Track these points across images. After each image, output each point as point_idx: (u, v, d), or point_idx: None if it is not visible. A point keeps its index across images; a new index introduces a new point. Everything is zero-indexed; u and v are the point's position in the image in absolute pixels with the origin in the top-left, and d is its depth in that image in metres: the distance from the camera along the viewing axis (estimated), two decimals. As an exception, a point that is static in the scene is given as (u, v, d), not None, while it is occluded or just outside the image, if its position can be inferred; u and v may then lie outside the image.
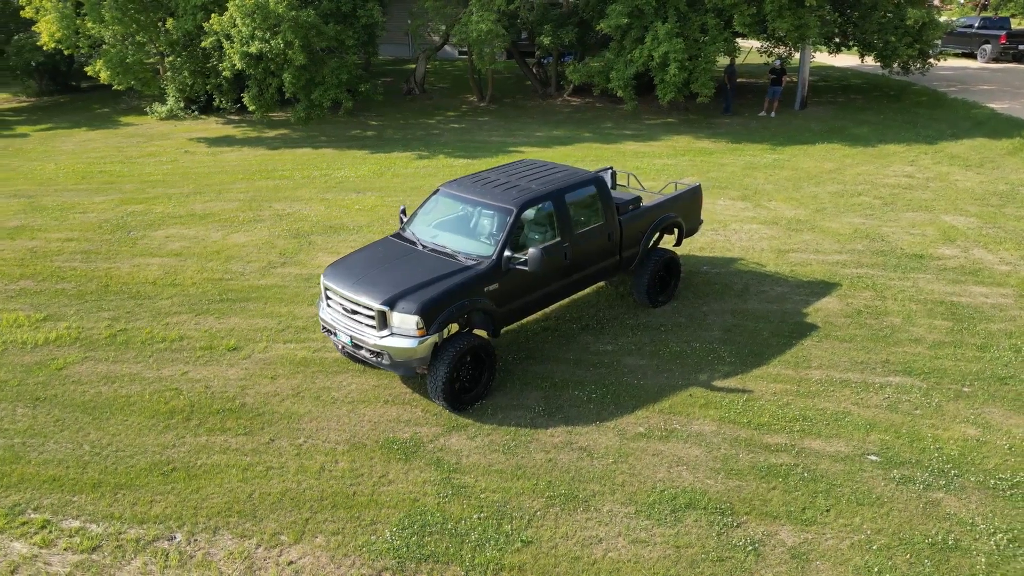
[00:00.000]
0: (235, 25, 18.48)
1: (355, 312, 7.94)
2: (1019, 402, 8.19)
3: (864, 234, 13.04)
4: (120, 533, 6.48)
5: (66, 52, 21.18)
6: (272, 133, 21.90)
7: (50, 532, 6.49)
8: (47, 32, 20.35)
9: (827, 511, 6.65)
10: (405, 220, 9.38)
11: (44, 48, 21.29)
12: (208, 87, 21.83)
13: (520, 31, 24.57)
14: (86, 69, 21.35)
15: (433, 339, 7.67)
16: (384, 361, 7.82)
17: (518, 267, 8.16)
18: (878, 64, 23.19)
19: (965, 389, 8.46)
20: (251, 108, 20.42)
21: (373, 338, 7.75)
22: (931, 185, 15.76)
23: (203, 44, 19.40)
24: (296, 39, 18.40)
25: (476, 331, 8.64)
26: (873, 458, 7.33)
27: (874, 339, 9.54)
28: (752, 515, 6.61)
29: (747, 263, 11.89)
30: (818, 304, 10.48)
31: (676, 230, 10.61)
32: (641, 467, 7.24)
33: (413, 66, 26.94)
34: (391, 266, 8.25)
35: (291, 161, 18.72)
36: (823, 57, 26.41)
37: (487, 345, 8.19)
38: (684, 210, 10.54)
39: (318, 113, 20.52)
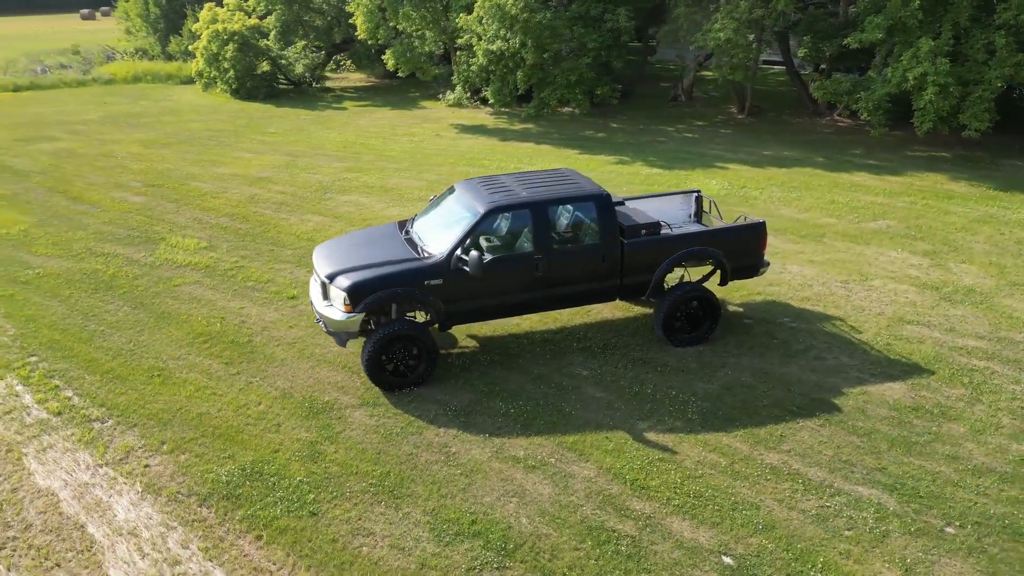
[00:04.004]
0: (480, 23, 20.32)
1: (315, 280, 8.89)
2: (1005, 564, 6.03)
3: (1047, 323, 10.05)
4: (83, 408, 8.38)
5: (369, 42, 25.21)
6: (518, 126, 23.47)
7: (51, 393, 8.65)
8: (360, 25, 24.49)
9: (604, 591, 5.86)
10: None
11: (359, 38, 25.61)
12: (477, 79, 24.21)
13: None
14: (383, 58, 25.19)
15: (360, 316, 8.27)
16: (325, 328, 8.65)
17: (464, 268, 8.31)
18: None
19: (948, 529, 6.46)
20: (491, 101, 22.24)
21: (320, 305, 8.62)
22: None
23: (459, 41, 21.67)
24: (529, 39, 19.60)
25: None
26: (728, 560, 6.14)
27: (897, 443, 7.62)
28: (526, 565, 6.11)
29: (841, 325, 10.06)
30: (875, 388, 8.59)
31: (719, 268, 9.51)
32: (479, 486, 7.05)
33: (706, 73, 26.43)
34: (364, 247, 9.00)
35: (505, 153, 20.03)
36: None
37: (425, 338, 8.51)
38: (730, 246, 9.37)
39: (547, 110, 21.53)
